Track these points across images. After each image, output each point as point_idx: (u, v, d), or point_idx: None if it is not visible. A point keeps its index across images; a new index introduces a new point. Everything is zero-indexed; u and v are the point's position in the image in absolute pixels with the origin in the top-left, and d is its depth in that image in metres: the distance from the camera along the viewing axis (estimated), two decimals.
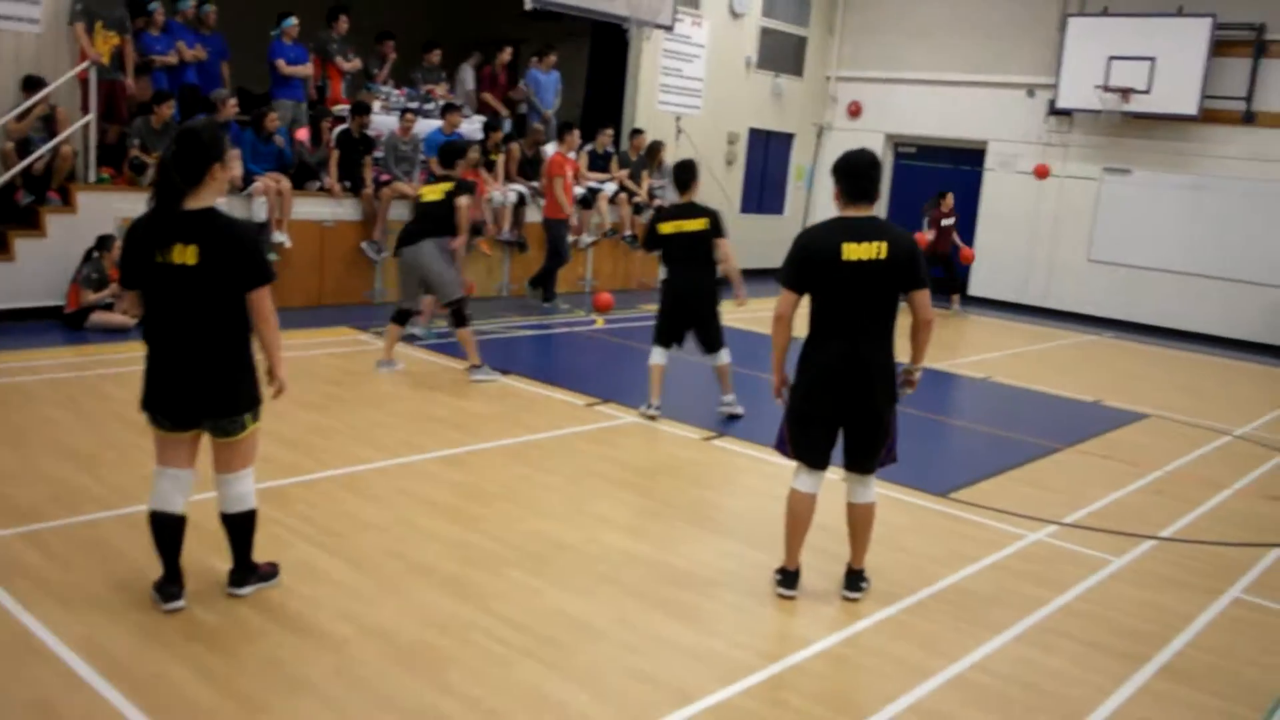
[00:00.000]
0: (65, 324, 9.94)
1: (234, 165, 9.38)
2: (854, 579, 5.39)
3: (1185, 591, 5.83)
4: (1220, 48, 15.50)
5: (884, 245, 4.93)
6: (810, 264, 5.04)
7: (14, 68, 10.47)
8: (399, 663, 4.25)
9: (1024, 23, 17.46)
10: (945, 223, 16.51)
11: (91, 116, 10.50)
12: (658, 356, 8.39)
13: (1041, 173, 15.94)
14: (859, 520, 5.32)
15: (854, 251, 4.94)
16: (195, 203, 4.33)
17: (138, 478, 6.02)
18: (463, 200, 9.35)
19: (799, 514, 5.25)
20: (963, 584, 5.65)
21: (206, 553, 5.08)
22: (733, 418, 8.56)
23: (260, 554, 5.20)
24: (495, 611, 4.79)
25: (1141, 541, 6.59)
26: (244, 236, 4.45)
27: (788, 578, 5.32)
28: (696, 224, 8.20)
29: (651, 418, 8.39)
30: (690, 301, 8.35)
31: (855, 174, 5.08)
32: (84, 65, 10.44)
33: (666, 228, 8.27)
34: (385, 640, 4.42)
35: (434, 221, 9.39)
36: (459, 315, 9.27)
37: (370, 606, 4.73)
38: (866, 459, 5.18)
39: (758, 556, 5.77)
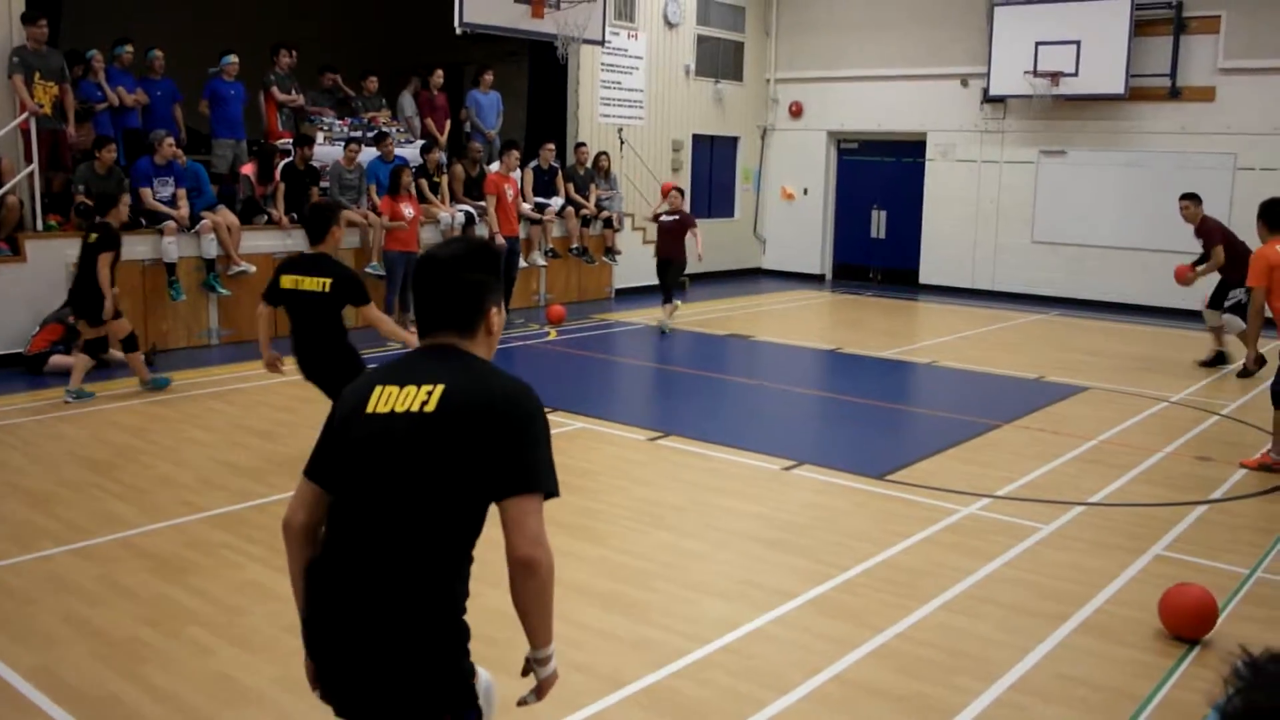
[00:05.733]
0: (26, 368, 10.08)
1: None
2: None
3: (1109, 552, 6.08)
4: (1142, 27, 15.94)
5: None
6: None
7: None
8: None
9: (954, 14, 17.82)
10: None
11: (34, 166, 10.64)
12: None
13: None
14: None
15: None
16: None
17: (93, 513, 6.21)
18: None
19: None
20: (893, 560, 5.89)
21: (160, 579, 5.28)
22: None
23: (213, 576, 5.42)
24: None
25: (1070, 508, 6.84)
26: None
27: None
28: (315, 283, 6.91)
29: None
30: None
31: None
32: (24, 116, 10.59)
33: (286, 281, 7.05)
34: None
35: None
36: None
37: None
38: None
39: (694, 547, 6.01)
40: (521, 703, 2.66)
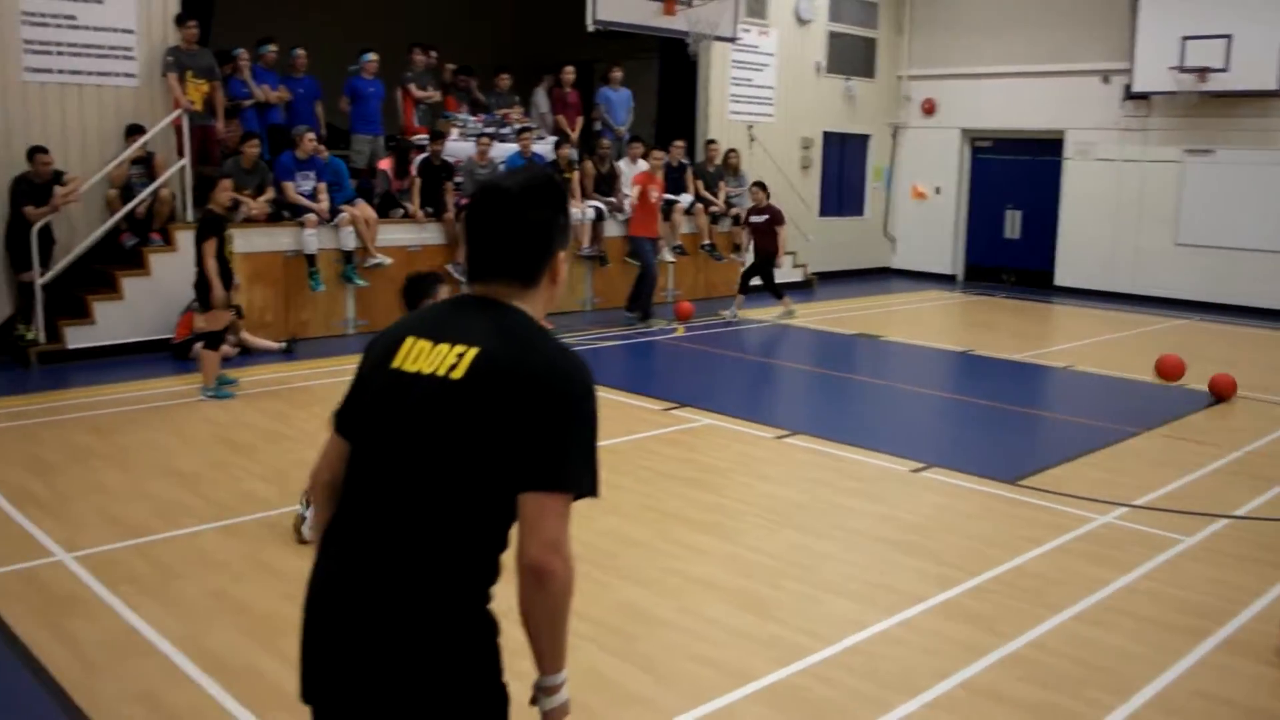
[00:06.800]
0: (174, 354, 10.56)
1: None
2: None
3: (1256, 568, 5.84)
4: None
5: None
6: None
7: (115, 120, 11.16)
8: None
9: (1094, 8, 17.31)
10: None
11: (186, 160, 11.11)
12: None
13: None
14: None
15: None
16: None
17: (237, 493, 6.47)
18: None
19: None
20: (1024, 566, 5.76)
21: (299, 557, 5.47)
22: None
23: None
24: None
25: (1214, 521, 6.59)
26: None
27: None
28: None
29: None
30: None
31: None
32: (177, 113, 11.07)
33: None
34: None
35: None
36: None
37: None
38: None
39: (821, 547, 5.97)
40: None
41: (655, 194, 13.60)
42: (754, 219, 13.98)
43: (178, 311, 10.74)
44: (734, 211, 15.94)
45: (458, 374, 2.14)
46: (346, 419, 2.35)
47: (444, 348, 2.18)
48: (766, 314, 14.23)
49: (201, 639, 4.60)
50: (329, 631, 2.19)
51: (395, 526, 2.15)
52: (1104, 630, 5.00)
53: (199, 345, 9.38)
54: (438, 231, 12.92)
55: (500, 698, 2.21)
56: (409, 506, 2.14)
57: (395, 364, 2.24)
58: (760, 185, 14.15)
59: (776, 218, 13.93)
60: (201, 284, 8.95)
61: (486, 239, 2.26)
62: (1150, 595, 5.43)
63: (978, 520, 6.51)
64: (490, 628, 2.20)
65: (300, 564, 5.43)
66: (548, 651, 2.14)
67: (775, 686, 4.36)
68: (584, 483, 2.13)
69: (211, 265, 8.79)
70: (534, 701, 2.20)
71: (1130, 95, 16.99)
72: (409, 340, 2.25)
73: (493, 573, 2.21)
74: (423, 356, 2.20)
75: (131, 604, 4.93)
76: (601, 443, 6.49)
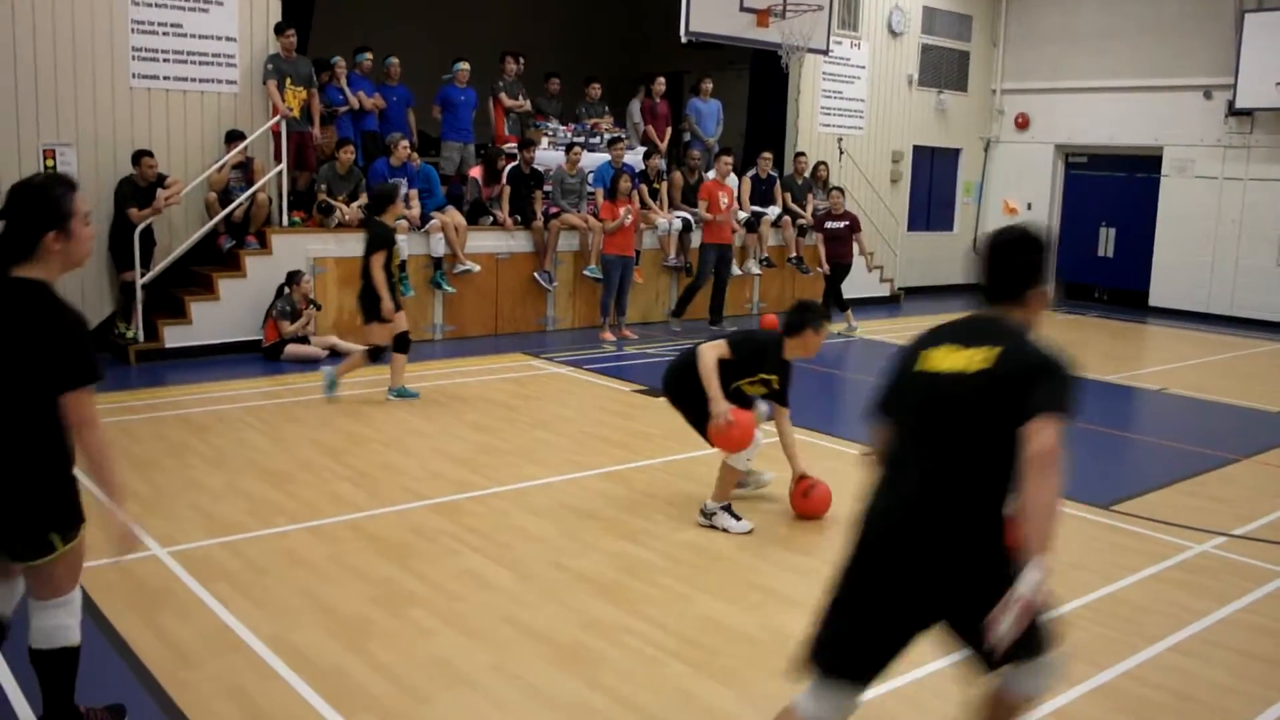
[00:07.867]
0: (264, 356, 10.78)
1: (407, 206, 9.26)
2: None
3: None
4: None
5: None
6: None
7: (216, 125, 11.44)
8: (554, 662, 4.56)
9: (1196, 23, 16.91)
10: None
11: (283, 165, 11.34)
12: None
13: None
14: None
15: None
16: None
17: (325, 494, 6.57)
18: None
19: None
20: (1118, 594, 5.62)
21: (384, 560, 5.53)
22: None
23: (433, 562, 5.62)
24: (647, 616, 5.05)
25: None
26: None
27: None
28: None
29: None
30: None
31: None
32: (275, 119, 11.30)
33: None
34: (543, 641, 4.75)
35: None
36: None
37: (531, 611, 5.07)
38: None
39: None
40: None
41: (725, 200, 13.59)
42: (830, 225, 13.75)
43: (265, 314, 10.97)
44: (800, 222, 15.55)
45: (990, 364, 3.13)
46: (891, 402, 3.39)
47: (974, 349, 3.18)
48: (834, 328, 14.11)
49: (290, 637, 4.67)
50: (890, 538, 3.16)
51: (937, 471, 3.13)
52: (1202, 663, 4.85)
53: (361, 351, 9.36)
54: (526, 239, 13.03)
55: (1007, 570, 2.95)
56: (948, 453, 3.13)
57: (932, 364, 3.26)
58: (840, 189, 14.23)
59: (855, 224, 13.93)
60: (367, 295, 8.97)
61: (992, 275, 3.33)
62: (1250, 628, 5.27)
63: (1069, 545, 6.34)
64: (1002, 533, 3.08)
65: (386, 569, 5.50)
66: (1037, 536, 2.89)
67: (860, 709, 4.28)
68: (1071, 410, 3.05)
69: (381, 277, 8.83)
70: (1017, 578, 2.86)
71: (1233, 111, 16.56)
72: (944, 346, 3.27)
73: (1005, 494, 3.08)
74: (955, 357, 3.21)
75: (223, 600, 5.03)
76: (682, 456, 6.45)
